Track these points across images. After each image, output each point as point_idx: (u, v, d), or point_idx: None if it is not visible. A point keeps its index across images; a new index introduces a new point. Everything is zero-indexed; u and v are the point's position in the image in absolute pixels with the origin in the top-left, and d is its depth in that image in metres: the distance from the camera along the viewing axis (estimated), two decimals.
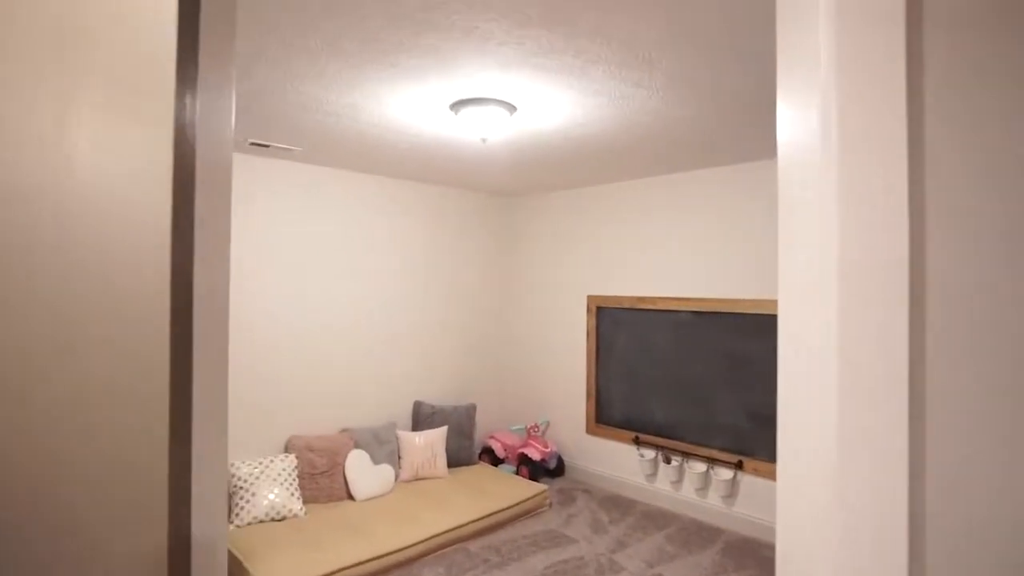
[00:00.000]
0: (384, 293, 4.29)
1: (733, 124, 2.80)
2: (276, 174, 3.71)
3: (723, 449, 3.74)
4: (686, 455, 3.92)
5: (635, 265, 4.23)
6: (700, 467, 3.84)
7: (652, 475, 4.13)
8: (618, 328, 4.34)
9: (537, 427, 4.66)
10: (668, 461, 3.98)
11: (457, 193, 4.76)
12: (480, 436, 4.90)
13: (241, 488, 3.37)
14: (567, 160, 3.64)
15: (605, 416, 4.44)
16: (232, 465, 3.44)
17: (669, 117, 2.71)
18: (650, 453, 4.12)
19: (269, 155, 3.56)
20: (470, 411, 4.54)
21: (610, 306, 4.39)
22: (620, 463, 4.33)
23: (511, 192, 4.95)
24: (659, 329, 4.09)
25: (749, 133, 2.95)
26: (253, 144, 3.25)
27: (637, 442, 4.19)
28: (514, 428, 4.67)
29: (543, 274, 4.91)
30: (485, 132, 2.59)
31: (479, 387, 4.96)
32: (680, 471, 3.93)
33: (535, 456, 4.42)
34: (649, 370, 4.14)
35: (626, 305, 4.27)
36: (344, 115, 2.74)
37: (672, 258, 4.01)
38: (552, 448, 4.56)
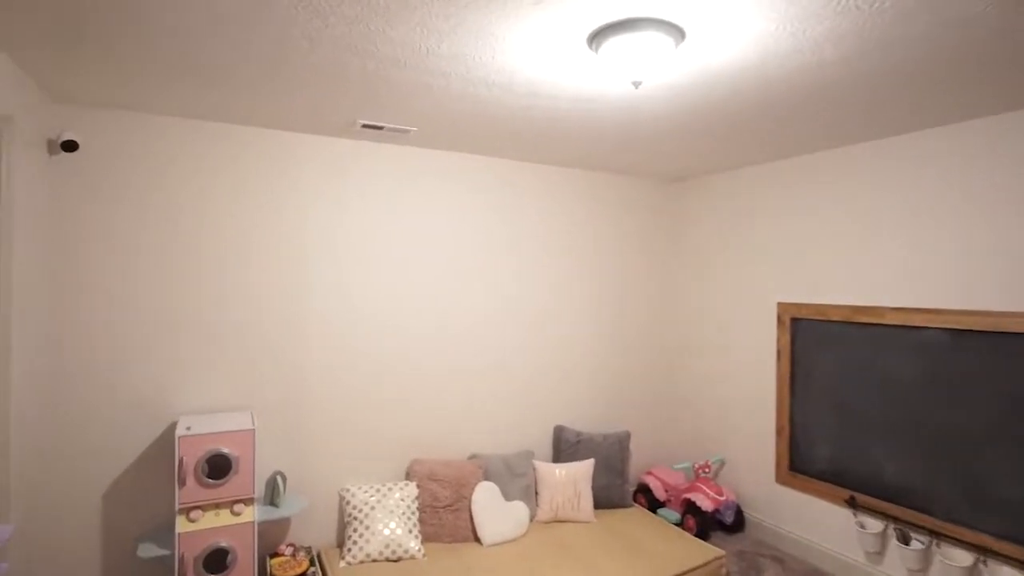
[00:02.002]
0: (519, 301, 3.67)
1: None
2: (389, 163, 3.28)
3: (1003, 537, 2.50)
4: (936, 535, 2.72)
5: (850, 263, 3.11)
6: (963, 558, 2.62)
7: (877, 554, 2.97)
8: (824, 347, 3.24)
9: (708, 467, 3.71)
10: (906, 541, 2.81)
11: (603, 178, 3.99)
12: (634, 471, 4.07)
13: (355, 519, 2.96)
14: (756, 118, 2.69)
15: (803, 462, 3.35)
16: (346, 491, 3.05)
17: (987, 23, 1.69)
18: (874, 524, 2.97)
19: (383, 139, 3.13)
20: (623, 441, 3.74)
21: (811, 317, 3.30)
22: (825, 529, 3.22)
23: (672, 175, 4.04)
24: (891, 352, 2.92)
25: None
26: (365, 126, 2.82)
27: (853, 504, 3.06)
28: (678, 466, 3.77)
29: (716, 276, 3.94)
30: (639, 72, 1.81)
31: (633, 412, 4.13)
32: (926, 558, 2.75)
33: (706, 505, 3.49)
34: (874, 407, 3.00)
35: (836, 317, 3.16)
36: (453, 73, 2.14)
37: (913, 253, 2.83)
38: (728, 496, 3.58)
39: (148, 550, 2.49)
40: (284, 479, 2.84)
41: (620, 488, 3.68)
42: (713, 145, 3.14)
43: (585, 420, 3.92)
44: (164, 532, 2.68)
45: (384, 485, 3.11)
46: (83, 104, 2.54)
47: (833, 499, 3.17)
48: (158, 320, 2.74)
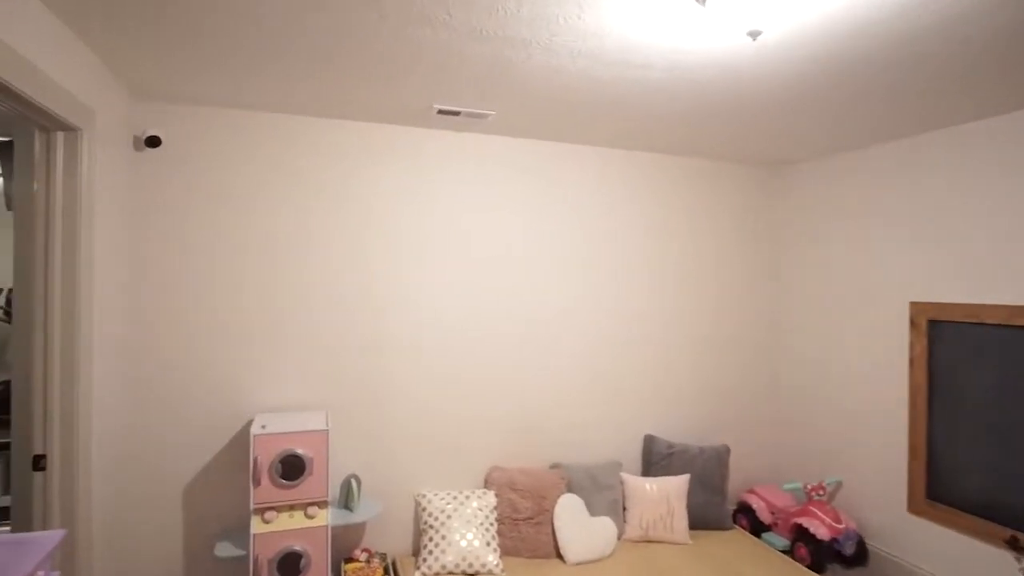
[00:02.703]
0: (606, 300, 3.39)
1: None
2: (468, 153, 3.10)
3: None
4: None
5: (1009, 254, 2.58)
6: None
7: None
8: (976, 356, 2.72)
9: (822, 488, 3.26)
10: None
11: (700, 165, 3.61)
12: (734, 489, 3.67)
13: (430, 527, 2.81)
14: (900, 80, 2.26)
15: (945, 490, 2.84)
16: (422, 496, 2.91)
17: None
18: None
19: (461, 127, 2.95)
20: (722, 455, 3.37)
21: (954, 319, 2.79)
22: (973, 571, 2.70)
23: (778, 159, 3.60)
24: None
25: None
26: (442, 112, 2.65)
27: (1016, 547, 2.53)
28: (787, 486, 3.34)
29: (831, 272, 3.46)
30: (756, 21, 1.50)
31: (733, 424, 3.72)
32: None
33: (821, 533, 3.04)
34: None
35: (992, 320, 2.63)
36: (535, 42, 1.91)
37: None
38: (848, 524, 3.11)
39: (225, 549, 2.45)
40: (359, 482, 2.74)
41: (719, 507, 3.31)
42: (833, 119, 2.71)
43: (678, 430, 3.57)
44: (240, 532, 2.65)
45: (461, 493, 2.94)
46: (164, 100, 2.55)
47: (986, 537, 2.65)
48: (235, 317, 2.71)
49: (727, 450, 3.39)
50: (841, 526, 3.08)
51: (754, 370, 3.77)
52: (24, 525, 1.94)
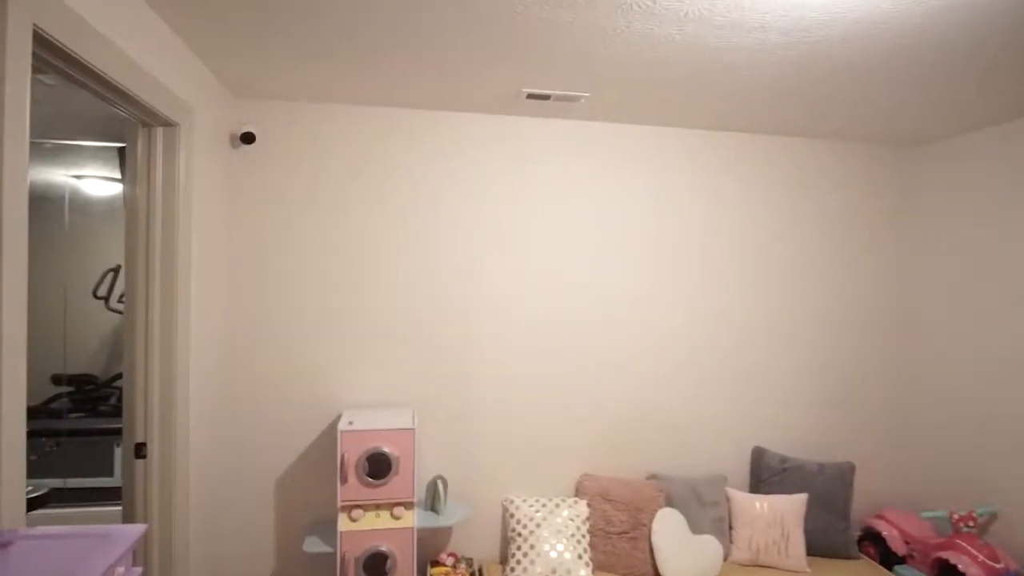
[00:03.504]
0: (713, 297, 3.09)
1: None
2: (559, 141, 2.93)
3: None
4: None
5: None
6: None
7: None
8: None
9: (972, 519, 2.78)
10: None
11: (821, 147, 3.22)
12: (859, 513, 3.24)
13: (519, 535, 2.67)
14: None
15: None
16: (509, 502, 2.77)
17: None
18: None
19: (550, 112, 2.79)
20: (846, 474, 2.97)
21: None
22: None
23: (917, 136, 3.13)
24: None
25: None
26: (531, 96, 2.50)
27: None
28: (927, 514, 2.89)
29: (984, 267, 2.95)
30: None
31: (859, 438, 3.29)
32: None
33: (973, 572, 2.58)
34: None
35: None
36: (636, 6, 1.71)
37: None
38: (1007, 564, 2.63)
39: (313, 544, 2.44)
40: (445, 484, 2.65)
41: (842, 533, 2.92)
42: (985, 83, 2.28)
43: (792, 443, 3.20)
44: (327, 528, 2.64)
45: (551, 500, 2.77)
46: (259, 96, 2.59)
47: None
48: (325, 313, 2.71)
49: (851, 468, 2.99)
50: (1000, 565, 2.61)
51: (882, 376, 3.31)
52: (128, 507, 2.01)
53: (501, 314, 2.87)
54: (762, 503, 2.87)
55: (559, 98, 2.53)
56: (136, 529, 1.15)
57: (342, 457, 2.33)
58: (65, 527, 1.14)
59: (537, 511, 2.72)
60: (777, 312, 3.17)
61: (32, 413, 3.90)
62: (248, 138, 2.51)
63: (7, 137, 1.13)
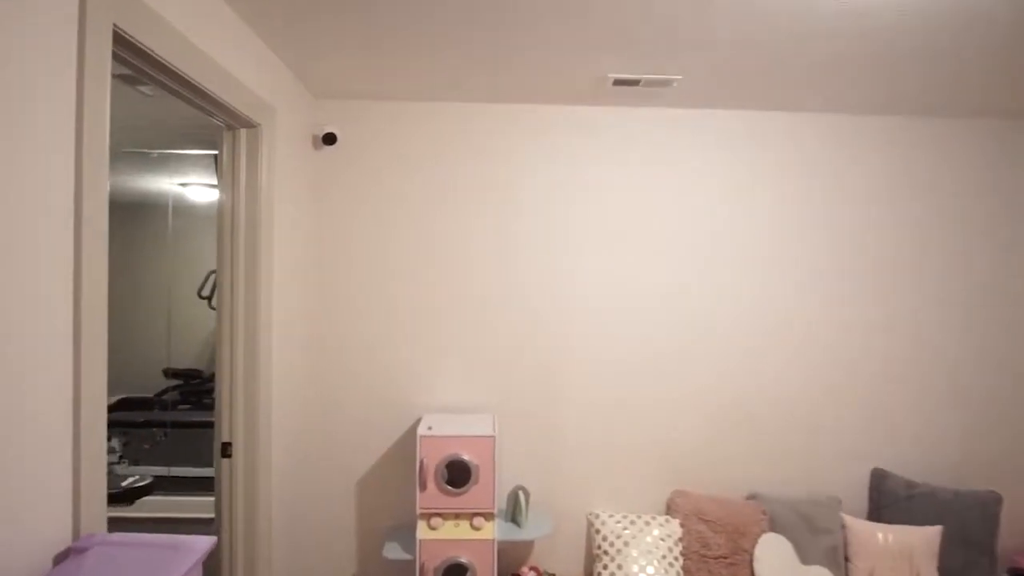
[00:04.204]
0: (820, 298, 2.76)
1: None
2: (649, 131, 2.71)
3: None
4: None
5: None
6: None
7: None
8: None
9: None
10: None
11: (942, 127, 2.78)
12: (1007, 549, 2.78)
13: (605, 553, 2.49)
14: None
15: None
16: (595, 516, 2.60)
17: None
18: None
19: (639, 100, 2.59)
20: (988, 504, 2.55)
21: None
22: None
23: None
24: None
25: None
26: (618, 82, 2.32)
27: None
28: None
29: None
30: None
31: (1004, 464, 2.83)
32: None
33: None
34: None
35: None
36: None
37: None
38: None
39: (393, 551, 2.40)
40: (527, 495, 2.52)
41: (983, 570, 2.51)
42: None
43: (920, 466, 2.80)
44: (407, 534, 2.58)
45: (640, 517, 2.57)
46: (339, 97, 2.58)
47: None
48: (407, 316, 2.67)
49: (997, 499, 2.56)
50: None
51: None
52: (218, 503, 2.04)
53: (590, 315, 2.70)
54: (886, 533, 2.52)
55: (649, 82, 2.32)
56: (205, 542, 1.11)
57: (421, 463, 2.26)
58: (140, 535, 1.12)
59: (625, 528, 2.53)
60: (902, 317, 2.78)
61: (147, 404, 4.20)
62: (330, 139, 2.51)
63: (87, 124, 1.12)
